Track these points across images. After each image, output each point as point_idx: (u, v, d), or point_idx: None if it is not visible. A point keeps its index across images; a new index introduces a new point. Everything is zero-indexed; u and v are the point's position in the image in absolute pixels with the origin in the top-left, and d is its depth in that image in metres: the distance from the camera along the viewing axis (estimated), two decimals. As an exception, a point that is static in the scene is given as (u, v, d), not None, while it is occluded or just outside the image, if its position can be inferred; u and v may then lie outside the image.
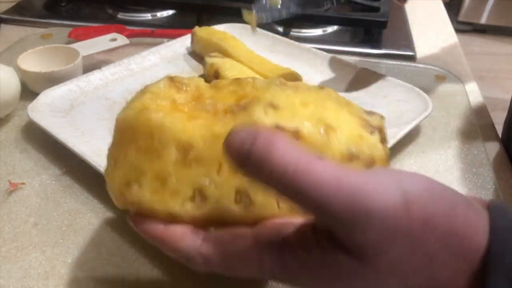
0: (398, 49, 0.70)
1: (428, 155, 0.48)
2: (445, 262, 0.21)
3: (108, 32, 0.67)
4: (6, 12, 0.78)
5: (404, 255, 0.21)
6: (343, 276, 0.22)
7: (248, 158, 0.20)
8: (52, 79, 0.53)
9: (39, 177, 0.44)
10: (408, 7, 0.84)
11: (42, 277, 0.34)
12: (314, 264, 0.23)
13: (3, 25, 0.76)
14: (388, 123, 0.49)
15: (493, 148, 0.50)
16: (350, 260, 0.21)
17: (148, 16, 0.80)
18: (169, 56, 0.63)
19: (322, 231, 0.23)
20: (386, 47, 0.70)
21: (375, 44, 0.71)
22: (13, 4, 0.82)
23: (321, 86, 0.31)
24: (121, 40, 0.64)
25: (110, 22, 0.75)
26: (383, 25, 0.70)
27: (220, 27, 0.67)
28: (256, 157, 0.20)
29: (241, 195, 0.26)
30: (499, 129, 0.54)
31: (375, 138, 0.29)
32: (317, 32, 0.75)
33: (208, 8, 0.75)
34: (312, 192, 0.19)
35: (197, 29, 0.64)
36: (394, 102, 0.52)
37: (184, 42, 0.65)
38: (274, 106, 0.27)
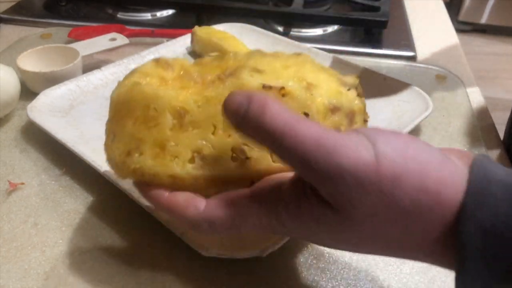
0: (398, 49, 0.69)
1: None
2: (417, 216, 0.22)
3: (108, 32, 0.66)
4: (6, 12, 0.78)
5: (377, 208, 0.23)
6: (329, 228, 0.24)
7: (244, 118, 0.23)
8: (52, 79, 0.53)
9: (39, 177, 0.44)
10: (408, 7, 0.84)
11: (42, 277, 0.34)
12: (304, 217, 0.25)
13: (3, 25, 0.76)
14: (388, 123, 0.50)
15: (494, 148, 0.50)
16: (333, 213, 0.24)
17: (148, 16, 0.80)
18: (169, 56, 0.63)
19: (311, 186, 0.24)
20: (386, 47, 0.70)
21: (375, 44, 0.71)
22: (13, 4, 0.82)
23: (298, 53, 0.33)
24: (121, 40, 0.64)
25: (110, 22, 0.75)
26: (383, 25, 0.70)
27: (220, 27, 0.67)
28: (251, 118, 0.23)
29: (237, 153, 0.28)
30: (500, 129, 0.54)
31: (352, 93, 0.32)
32: (317, 32, 0.75)
33: (208, 8, 0.75)
34: (296, 150, 0.22)
35: (197, 28, 0.64)
36: (394, 102, 0.52)
37: (184, 42, 0.65)
38: (258, 70, 0.29)
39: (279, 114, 0.23)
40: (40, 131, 0.46)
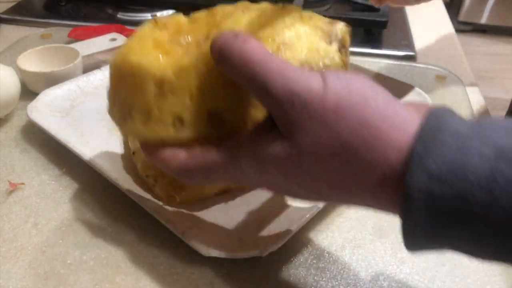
0: (398, 49, 0.70)
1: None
2: (357, 151, 0.23)
3: (108, 32, 0.67)
4: (6, 12, 0.78)
5: (320, 138, 0.24)
6: (283, 166, 0.26)
7: (230, 48, 0.26)
8: (52, 79, 0.53)
9: (39, 177, 0.44)
10: (408, 7, 0.83)
11: (42, 277, 0.34)
12: (260, 159, 0.26)
13: (3, 25, 0.76)
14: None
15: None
16: (284, 146, 0.25)
17: (148, 16, 0.80)
18: None
19: (264, 127, 0.27)
20: (386, 47, 0.70)
21: (375, 44, 0.71)
22: (13, 4, 0.82)
23: (284, 6, 0.33)
24: (121, 40, 0.64)
25: (110, 22, 0.75)
26: (383, 25, 0.70)
27: None
28: (235, 48, 0.26)
29: (212, 117, 0.30)
30: (499, 129, 0.54)
31: (332, 48, 0.32)
32: (317, 32, 0.75)
33: (208, 7, 0.75)
34: (262, 76, 0.25)
35: None
36: (394, 102, 0.52)
37: None
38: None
39: (256, 47, 0.26)
40: (40, 131, 0.46)
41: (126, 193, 0.38)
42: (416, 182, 0.22)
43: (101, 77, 0.56)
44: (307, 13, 0.33)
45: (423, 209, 0.22)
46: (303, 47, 0.31)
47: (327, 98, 0.24)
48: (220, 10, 0.34)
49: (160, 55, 0.31)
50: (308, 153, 0.24)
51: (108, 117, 0.49)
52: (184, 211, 0.38)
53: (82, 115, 0.50)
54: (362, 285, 0.35)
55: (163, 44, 0.32)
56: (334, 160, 0.24)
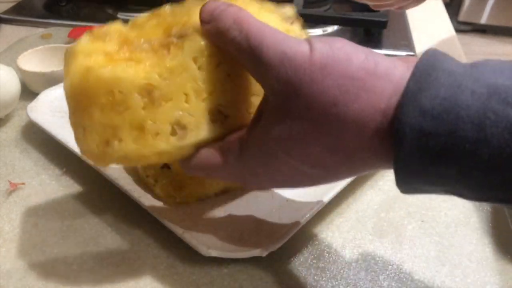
0: (398, 49, 0.70)
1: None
2: (346, 104, 0.24)
3: (108, 32, 0.66)
4: (6, 12, 0.78)
5: (312, 96, 0.24)
6: (281, 137, 0.26)
7: (224, 10, 0.27)
8: (52, 79, 0.53)
9: (39, 177, 0.44)
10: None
11: (42, 277, 0.34)
12: (257, 141, 0.27)
13: (3, 25, 0.76)
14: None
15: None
16: (275, 112, 0.26)
17: (148, 16, 0.80)
18: None
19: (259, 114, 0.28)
20: (386, 47, 0.70)
21: (375, 44, 0.71)
22: (13, 4, 0.82)
23: None
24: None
25: (110, 22, 0.75)
26: (383, 25, 0.70)
27: None
28: (232, 11, 0.27)
29: (215, 114, 0.29)
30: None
31: (296, 27, 0.32)
32: (317, 32, 0.75)
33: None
34: (257, 37, 0.26)
35: None
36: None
37: None
38: None
39: (250, 15, 0.27)
40: (40, 131, 0.46)
41: (127, 193, 0.38)
42: (408, 119, 0.22)
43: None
44: (258, 1, 0.32)
45: (415, 146, 0.22)
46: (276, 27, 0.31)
47: (314, 59, 0.25)
48: (168, 10, 0.32)
49: (133, 63, 0.28)
50: (303, 117, 0.25)
51: None
52: (184, 211, 0.38)
53: (82, 115, 0.50)
54: (362, 285, 0.35)
55: (119, 56, 0.29)
56: (328, 119, 0.24)
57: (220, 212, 0.38)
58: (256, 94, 0.30)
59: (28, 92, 0.54)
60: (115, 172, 0.40)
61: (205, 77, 0.28)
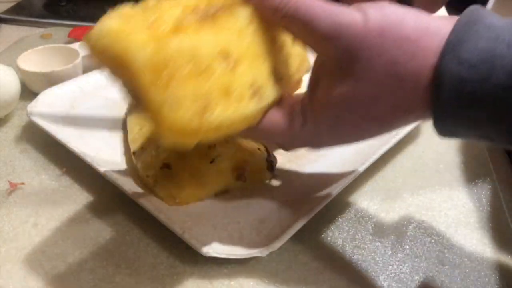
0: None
1: (428, 155, 0.48)
2: (405, 62, 0.26)
3: (108, 32, 0.66)
4: (6, 12, 0.79)
5: (372, 60, 0.26)
6: (344, 98, 0.28)
7: None
8: (52, 79, 0.53)
9: (39, 177, 0.44)
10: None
11: (42, 277, 0.34)
12: (330, 98, 0.28)
13: (3, 25, 0.76)
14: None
15: (494, 148, 0.50)
16: (338, 77, 0.28)
17: (148, 16, 0.80)
18: None
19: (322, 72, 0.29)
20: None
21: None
22: (13, 4, 0.82)
23: None
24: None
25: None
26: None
27: None
28: None
29: (274, 75, 0.30)
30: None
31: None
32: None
33: None
34: (306, 13, 0.27)
35: None
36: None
37: None
38: None
39: None
40: (40, 131, 0.46)
41: (126, 193, 0.38)
42: (448, 68, 0.24)
43: (101, 77, 0.55)
44: None
45: (453, 91, 0.24)
46: None
47: (369, 25, 0.26)
48: None
49: (202, 31, 0.27)
50: (366, 78, 0.27)
51: (108, 116, 0.50)
52: (184, 211, 0.38)
53: (82, 115, 0.50)
54: (362, 285, 0.35)
55: (186, 22, 0.28)
56: (389, 77, 0.26)
57: (220, 212, 0.38)
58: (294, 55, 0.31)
59: (28, 92, 0.54)
60: (116, 172, 0.41)
61: (259, 41, 0.29)
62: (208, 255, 0.34)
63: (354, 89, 0.27)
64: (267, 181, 0.42)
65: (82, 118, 0.49)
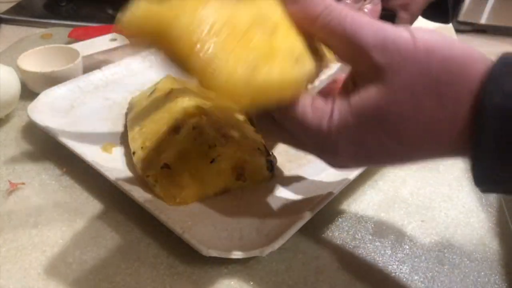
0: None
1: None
2: (447, 83, 0.25)
3: (108, 32, 0.67)
4: (6, 12, 0.79)
5: (413, 76, 0.26)
6: (377, 112, 0.27)
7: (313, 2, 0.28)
8: (52, 79, 0.53)
9: (39, 177, 0.44)
10: (408, 7, 0.83)
11: (42, 277, 0.34)
12: (362, 108, 0.28)
13: (3, 25, 0.76)
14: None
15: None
16: (377, 91, 0.27)
17: (148, 16, 0.80)
18: None
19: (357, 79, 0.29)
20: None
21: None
22: (13, 4, 0.82)
23: None
24: (121, 40, 0.64)
25: (110, 22, 0.75)
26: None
27: None
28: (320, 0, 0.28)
29: (310, 50, 0.29)
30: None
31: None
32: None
33: None
34: (351, 29, 0.27)
35: None
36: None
37: None
38: None
39: (336, 3, 0.28)
40: (40, 131, 0.46)
41: (127, 193, 0.38)
42: (491, 100, 0.24)
43: (101, 77, 0.56)
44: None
45: (498, 126, 0.24)
46: None
47: (417, 42, 0.26)
48: None
49: None
50: (402, 92, 0.26)
51: (108, 116, 0.50)
52: (184, 211, 0.38)
53: (82, 115, 0.50)
54: (362, 285, 0.35)
55: None
56: (426, 95, 0.26)
57: (220, 212, 0.39)
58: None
59: (28, 92, 0.54)
60: (116, 172, 0.41)
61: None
62: (208, 255, 0.34)
63: (387, 102, 0.27)
64: (267, 182, 0.42)
65: (82, 118, 0.49)
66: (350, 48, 0.28)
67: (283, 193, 0.41)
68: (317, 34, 0.29)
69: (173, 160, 0.39)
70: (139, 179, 0.41)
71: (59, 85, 0.52)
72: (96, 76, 0.55)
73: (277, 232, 0.35)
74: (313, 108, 0.29)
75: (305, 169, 0.44)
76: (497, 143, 0.24)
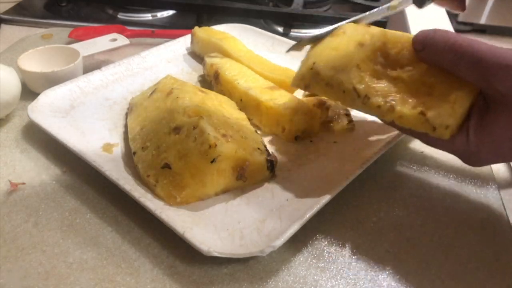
0: (398, 49, 0.69)
1: (428, 155, 0.48)
2: None
3: (108, 32, 0.67)
4: (6, 12, 0.79)
5: None
6: (503, 127, 0.33)
7: (433, 38, 0.35)
8: (52, 79, 0.53)
9: (39, 177, 0.44)
10: (408, 7, 0.83)
11: (42, 277, 0.35)
12: (490, 127, 0.34)
13: (3, 25, 0.76)
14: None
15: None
16: (502, 112, 0.33)
17: (148, 16, 0.81)
18: (169, 57, 0.63)
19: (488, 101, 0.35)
20: (386, 47, 0.70)
21: (375, 44, 0.71)
22: (13, 4, 0.82)
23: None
24: (122, 40, 0.64)
25: (110, 22, 0.75)
26: (382, 25, 0.70)
27: (220, 28, 0.67)
28: (440, 37, 0.35)
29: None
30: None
31: None
32: (317, 32, 0.75)
33: (208, 8, 0.76)
34: (473, 53, 0.32)
35: (197, 29, 0.64)
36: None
37: (184, 42, 0.65)
38: None
39: (458, 37, 0.34)
40: (40, 131, 0.46)
41: (127, 193, 0.38)
42: None
43: (101, 77, 0.56)
44: None
45: None
46: None
47: None
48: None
49: None
50: None
51: (108, 116, 0.50)
52: (185, 211, 0.38)
53: (82, 115, 0.50)
54: (362, 285, 0.35)
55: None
56: None
57: (220, 212, 0.39)
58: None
59: (28, 92, 0.54)
60: (116, 172, 0.41)
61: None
62: (209, 254, 0.34)
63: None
64: (267, 181, 0.42)
65: (82, 118, 0.50)
66: (473, 75, 0.33)
67: (283, 193, 0.41)
68: (446, 65, 0.34)
69: (174, 160, 0.39)
70: (140, 179, 0.41)
71: (59, 85, 0.52)
72: (96, 76, 0.55)
73: (278, 232, 0.35)
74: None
75: (305, 169, 0.44)
76: None
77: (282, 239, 0.34)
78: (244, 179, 0.41)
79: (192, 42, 0.64)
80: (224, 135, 0.40)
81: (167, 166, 0.39)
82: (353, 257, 0.37)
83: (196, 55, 0.64)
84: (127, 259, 0.36)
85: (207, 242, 0.34)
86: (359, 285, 0.35)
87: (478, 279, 0.35)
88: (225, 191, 0.40)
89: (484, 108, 0.35)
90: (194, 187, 0.39)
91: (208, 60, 0.58)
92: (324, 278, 0.35)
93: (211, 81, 0.56)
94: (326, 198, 0.38)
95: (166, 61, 0.62)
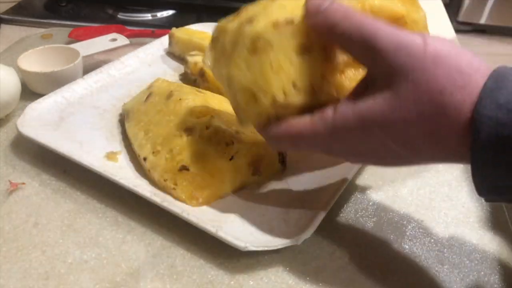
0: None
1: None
2: (452, 93, 0.26)
3: (108, 32, 0.67)
4: (6, 12, 0.79)
5: (420, 83, 0.27)
6: (382, 115, 0.28)
7: (328, 9, 0.30)
8: (52, 79, 0.53)
9: (39, 177, 0.44)
10: (408, 7, 0.83)
11: (42, 277, 0.34)
12: (367, 112, 0.29)
13: (3, 25, 0.76)
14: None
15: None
16: (383, 96, 0.28)
17: (148, 16, 0.81)
18: (148, 59, 0.62)
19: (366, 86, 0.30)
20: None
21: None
22: (13, 4, 0.82)
23: None
24: (121, 40, 0.64)
25: (110, 22, 0.75)
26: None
27: (198, 27, 0.67)
28: (337, 10, 0.30)
29: (309, 85, 0.32)
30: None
31: None
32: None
33: (208, 8, 0.76)
34: (370, 28, 0.28)
35: (174, 30, 0.64)
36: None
37: (160, 44, 0.65)
38: None
39: (352, 9, 0.30)
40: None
41: (148, 199, 0.37)
42: (485, 111, 0.25)
43: (85, 86, 0.54)
44: None
45: (492, 134, 0.25)
46: None
47: (428, 49, 0.27)
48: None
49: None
50: (408, 99, 0.27)
51: (102, 125, 0.49)
52: (209, 210, 0.38)
53: (75, 126, 0.48)
54: (362, 285, 0.35)
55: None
56: (431, 103, 0.27)
57: (242, 207, 0.39)
58: (348, 77, 0.33)
59: (28, 92, 0.54)
60: (129, 180, 0.40)
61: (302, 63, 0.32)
62: (246, 249, 0.34)
63: (394, 109, 0.28)
64: (279, 174, 0.42)
65: (76, 129, 0.48)
66: (367, 51, 0.29)
67: (299, 183, 0.41)
68: (337, 41, 0.30)
69: (191, 162, 0.39)
70: (154, 184, 0.40)
71: (43, 97, 0.50)
72: (79, 85, 0.53)
73: (305, 221, 0.36)
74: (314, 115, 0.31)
75: (312, 158, 0.44)
76: (493, 151, 0.25)
77: (312, 226, 0.35)
78: (259, 173, 0.41)
79: (170, 43, 0.64)
80: (237, 132, 0.40)
81: (184, 169, 0.39)
82: (354, 257, 0.37)
83: (175, 56, 0.64)
84: (127, 259, 0.36)
85: (241, 238, 0.34)
86: (359, 286, 0.35)
87: (478, 278, 0.35)
88: (241, 187, 0.41)
89: (361, 92, 0.31)
90: (215, 186, 0.39)
91: (190, 59, 0.57)
92: (324, 278, 0.35)
93: (196, 79, 0.56)
94: (346, 182, 0.39)
95: (146, 64, 0.61)
